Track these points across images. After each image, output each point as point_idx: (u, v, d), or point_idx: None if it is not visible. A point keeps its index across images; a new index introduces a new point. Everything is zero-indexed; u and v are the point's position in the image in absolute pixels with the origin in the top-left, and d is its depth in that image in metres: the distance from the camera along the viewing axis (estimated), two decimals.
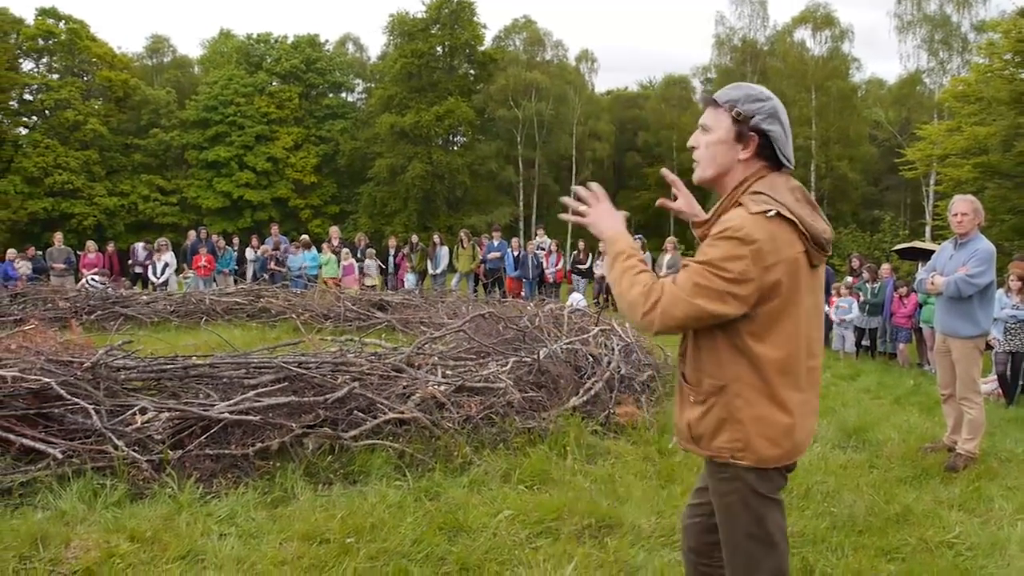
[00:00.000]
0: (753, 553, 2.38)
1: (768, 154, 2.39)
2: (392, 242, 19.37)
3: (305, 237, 18.42)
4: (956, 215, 6.02)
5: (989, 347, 8.82)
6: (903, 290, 12.33)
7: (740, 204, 2.31)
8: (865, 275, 13.29)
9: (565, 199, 2.59)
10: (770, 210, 2.22)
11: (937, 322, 6.36)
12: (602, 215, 2.53)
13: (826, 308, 13.52)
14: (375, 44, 68.21)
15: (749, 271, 2.17)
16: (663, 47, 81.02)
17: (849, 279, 13.86)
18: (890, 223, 33.81)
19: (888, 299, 12.80)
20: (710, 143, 2.46)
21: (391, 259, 18.38)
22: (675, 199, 2.88)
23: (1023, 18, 22.17)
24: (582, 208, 2.54)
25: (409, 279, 17.56)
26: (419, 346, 6.24)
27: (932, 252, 7.73)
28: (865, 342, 13.38)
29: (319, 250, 17.18)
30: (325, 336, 9.05)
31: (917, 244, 15.75)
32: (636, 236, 17.98)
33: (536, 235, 18.71)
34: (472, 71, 46.01)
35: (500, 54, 45.85)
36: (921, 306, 11.74)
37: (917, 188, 36.18)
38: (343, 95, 48.58)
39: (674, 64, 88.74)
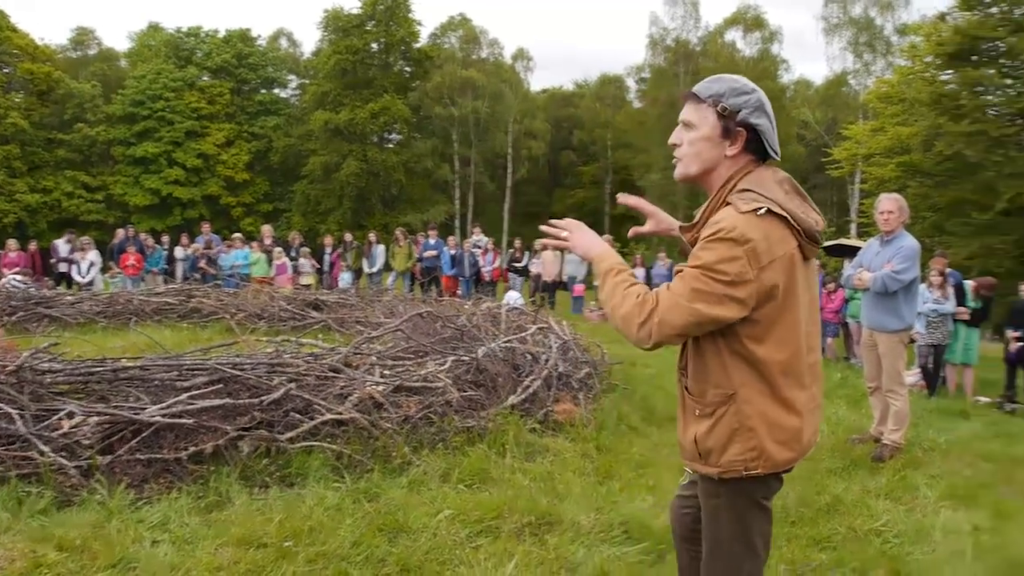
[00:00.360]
0: (735, 558, 2.33)
1: (755, 148, 2.30)
2: (327, 240, 19.14)
3: (239, 235, 18.07)
4: (883, 213, 6.21)
5: (912, 341, 9.12)
6: (831, 286, 12.68)
7: (729, 203, 2.22)
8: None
9: (545, 227, 2.56)
10: (761, 208, 2.15)
11: (864, 317, 6.57)
12: (585, 237, 2.47)
13: None
14: (309, 40, 67.13)
15: (746, 272, 2.10)
16: (598, 46, 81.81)
17: None
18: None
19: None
20: (694, 140, 2.33)
21: (326, 258, 18.16)
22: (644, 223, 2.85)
23: (943, 22, 22.96)
24: (563, 234, 2.49)
25: (344, 278, 17.36)
26: (356, 346, 6.18)
27: (858, 249, 7.95)
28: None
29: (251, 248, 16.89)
30: (259, 337, 8.90)
31: (843, 241, 16.19)
32: None
33: (472, 233, 18.70)
34: (408, 68, 45.78)
35: (436, 52, 45.72)
36: (848, 301, 12.08)
37: (843, 187, 37.23)
38: (276, 91, 47.87)
39: (609, 63, 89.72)
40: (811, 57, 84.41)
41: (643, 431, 6.48)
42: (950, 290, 10.15)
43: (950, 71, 22.88)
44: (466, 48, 47.50)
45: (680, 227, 2.52)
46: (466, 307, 8.90)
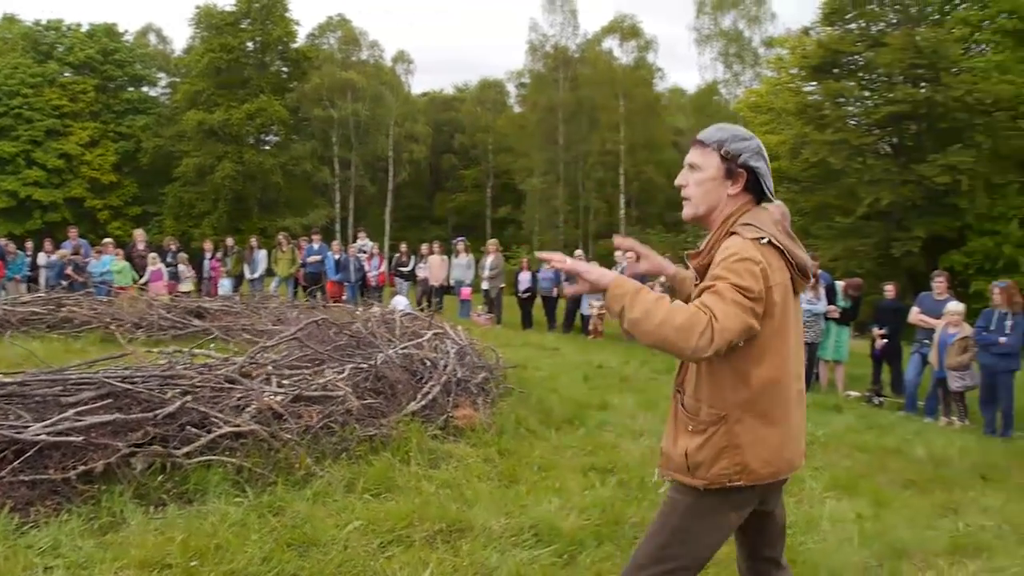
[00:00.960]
0: (671, 534, 2.51)
1: (754, 188, 2.54)
2: (207, 245, 18.50)
3: (110, 240, 17.20)
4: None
5: None
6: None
7: (735, 233, 2.44)
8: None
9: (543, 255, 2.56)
10: (763, 237, 2.39)
11: None
12: (593, 269, 2.42)
13: None
14: (180, 36, 64.72)
15: (761, 289, 2.30)
16: (478, 51, 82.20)
17: (663, 278, 14.56)
18: (693, 225, 35.89)
19: None
20: (701, 180, 2.56)
21: (205, 263, 17.55)
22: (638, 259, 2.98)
23: (806, 36, 24.23)
24: (567, 269, 2.42)
25: (224, 284, 16.82)
26: (252, 355, 6.00)
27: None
28: None
29: (127, 255, 16.09)
30: (138, 347, 8.52)
31: None
32: (459, 238, 18.11)
33: (357, 238, 18.45)
34: (285, 69, 44.76)
35: (314, 52, 44.88)
36: None
37: None
38: (145, 89, 45.77)
39: (489, 68, 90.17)
40: (684, 66, 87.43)
41: (542, 434, 6.55)
42: (822, 291, 10.71)
43: (814, 83, 24.20)
44: (345, 49, 46.79)
45: (687, 254, 2.69)
46: (358, 313, 8.76)
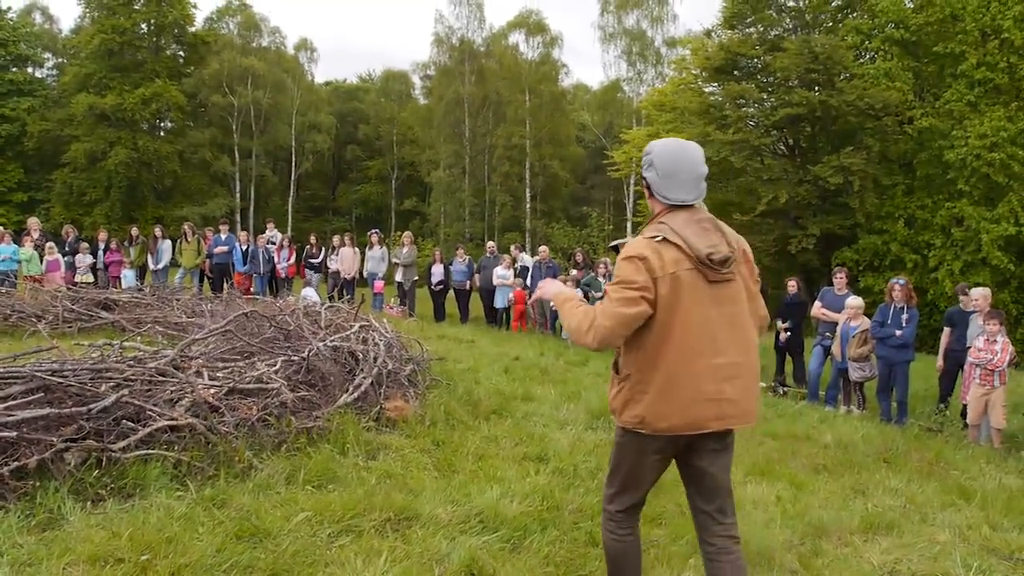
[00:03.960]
0: (613, 470, 3.17)
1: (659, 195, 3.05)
2: (101, 235, 17.80)
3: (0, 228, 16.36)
4: None
5: None
6: None
7: (641, 234, 3.00)
8: (602, 268, 14.33)
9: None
10: (657, 236, 2.90)
11: None
12: (548, 286, 3.38)
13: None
14: (67, 16, 61.70)
15: (646, 281, 2.84)
16: (382, 41, 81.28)
17: (574, 272, 14.86)
18: (597, 219, 36.57)
19: None
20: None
21: (100, 254, 16.89)
22: None
23: (708, 38, 24.94)
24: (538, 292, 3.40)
25: (127, 275, 16.22)
26: (183, 348, 5.88)
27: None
28: None
29: (19, 243, 15.32)
30: (42, 340, 8.19)
31: (630, 240, 17.22)
32: (373, 230, 17.96)
33: (267, 228, 18.08)
34: (182, 53, 43.36)
35: (212, 37, 43.63)
36: None
37: (620, 187, 39.38)
38: (30, 70, 43.52)
39: (394, 59, 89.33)
40: (589, 63, 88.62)
41: (472, 425, 6.64)
42: None
43: (715, 84, 24.95)
44: (245, 35, 45.66)
45: (618, 244, 3.26)
46: (283, 306, 8.66)
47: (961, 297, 10.11)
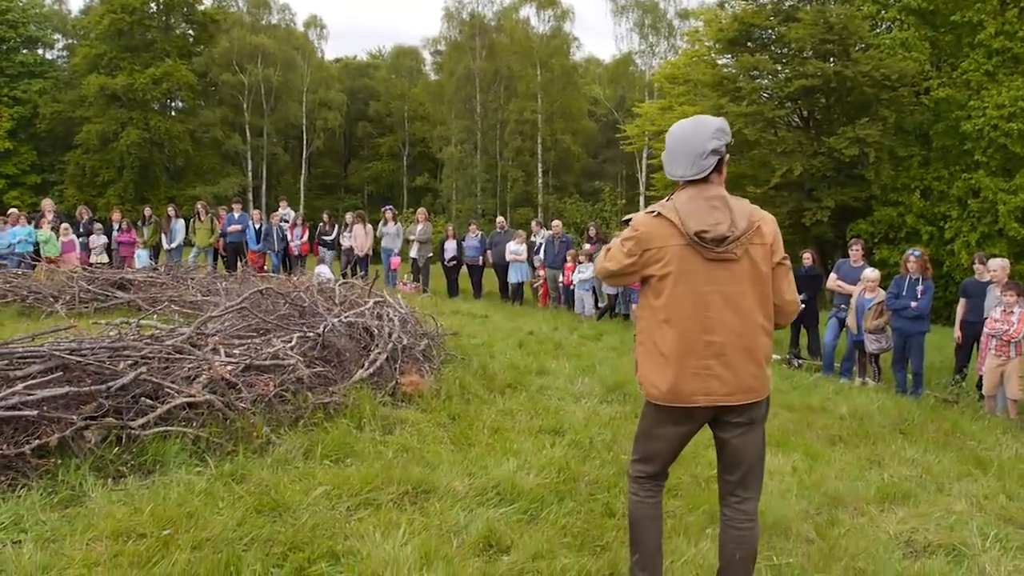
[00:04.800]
0: (638, 429, 3.28)
1: None
2: (115, 215, 17.86)
3: (13, 211, 16.41)
4: None
5: None
6: None
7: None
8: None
9: None
10: (654, 211, 3.04)
11: None
12: None
13: (570, 274, 14.45)
14: None
15: (636, 249, 3.03)
16: (393, 17, 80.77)
17: (587, 246, 14.83)
18: (609, 193, 36.45)
19: None
20: None
21: (113, 234, 16.96)
22: None
23: (721, 9, 24.66)
24: None
25: (140, 255, 16.30)
26: (199, 326, 5.92)
27: None
28: (601, 304, 14.46)
29: (36, 225, 15.39)
30: (59, 320, 8.27)
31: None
32: (387, 206, 17.96)
33: (279, 206, 18.09)
34: (191, 32, 43.19)
35: (221, 15, 43.49)
36: None
37: (632, 161, 39.21)
38: (40, 51, 43.52)
39: (404, 35, 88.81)
40: (600, 36, 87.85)
41: (487, 399, 6.67)
42: None
43: (729, 56, 24.69)
44: (255, 13, 45.56)
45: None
46: (298, 283, 8.69)
47: (977, 267, 10.02)
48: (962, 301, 9.88)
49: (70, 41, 45.70)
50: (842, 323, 10.34)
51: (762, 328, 3.04)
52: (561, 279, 15.20)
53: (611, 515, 4.28)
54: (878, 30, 24.36)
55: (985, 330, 8.81)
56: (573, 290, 14.71)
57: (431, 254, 17.13)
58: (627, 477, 3.30)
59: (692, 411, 3.01)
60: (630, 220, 3.26)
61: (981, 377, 9.08)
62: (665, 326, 2.98)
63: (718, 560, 3.23)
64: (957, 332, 9.91)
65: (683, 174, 3.04)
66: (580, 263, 14.27)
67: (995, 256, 10.60)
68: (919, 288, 9.43)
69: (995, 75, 21.97)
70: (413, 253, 16.74)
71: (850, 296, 10.10)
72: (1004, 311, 8.56)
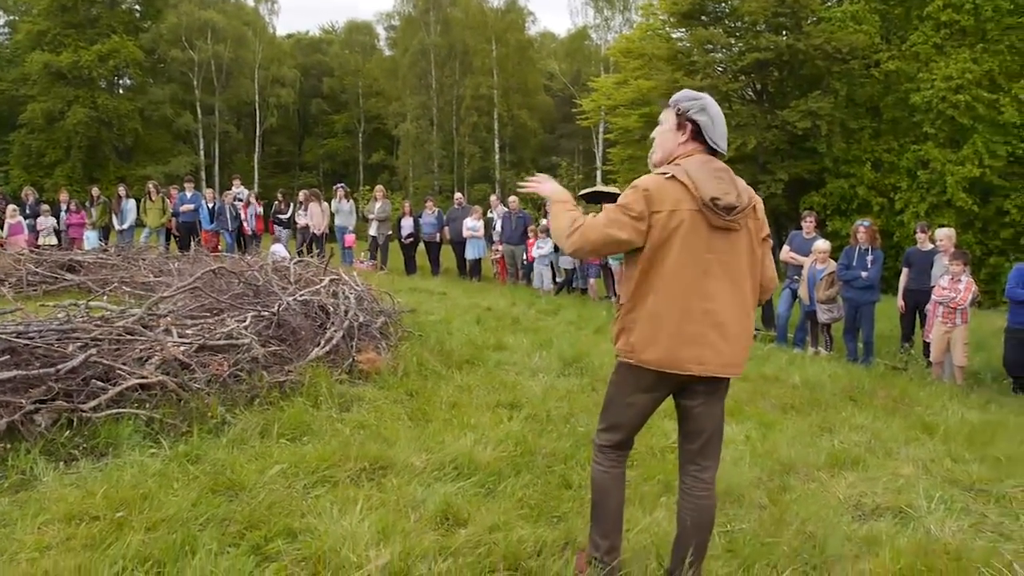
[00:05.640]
0: (609, 402, 3.26)
1: (701, 139, 3.08)
2: (63, 196, 17.47)
3: None
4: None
5: None
6: None
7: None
8: None
9: (523, 182, 3.38)
10: (667, 173, 2.98)
11: None
12: (547, 183, 3.31)
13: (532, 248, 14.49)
14: None
15: (644, 211, 2.93)
16: None
17: (544, 222, 14.84)
18: (566, 168, 36.50)
19: None
20: (661, 132, 3.18)
21: (62, 215, 16.60)
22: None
23: None
24: (533, 183, 3.33)
25: (90, 237, 15.97)
26: (150, 306, 5.83)
27: (614, 194, 8.55)
28: (559, 279, 14.52)
29: None
30: (5, 304, 8.09)
31: (601, 188, 17.19)
32: (339, 184, 17.82)
33: (233, 185, 17.82)
34: (137, 7, 42.17)
35: None
36: None
37: (588, 136, 39.24)
38: None
39: (357, 10, 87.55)
40: (555, 11, 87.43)
41: (445, 375, 6.67)
42: None
43: (683, 30, 24.76)
44: None
45: None
46: (251, 262, 8.58)
47: (919, 236, 10.24)
48: (905, 270, 10.11)
49: (12, 17, 44.35)
50: (795, 294, 10.51)
51: (751, 302, 3.12)
52: (524, 256, 15.24)
53: (568, 486, 4.33)
54: (830, 3, 24.61)
55: (933, 298, 9.03)
56: (532, 265, 14.75)
57: (390, 232, 17.03)
58: (593, 448, 3.30)
59: (668, 377, 3.02)
60: (587, 196, 3.37)
61: (928, 344, 9.31)
62: (664, 291, 2.96)
63: (676, 528, 3.26)
64: (900, 301, 10.15)
65: (724, 147, 3.11)
66: (539, 238, 14.28)
67: (943, 226, 10.84)
68: (869, 258, 9.61)
69: (943, 48, 22.34)
70: (372, 231, 16.62)
71: (802, 267, 10.25)
72: (951, 279, 8.77)
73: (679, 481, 3.28)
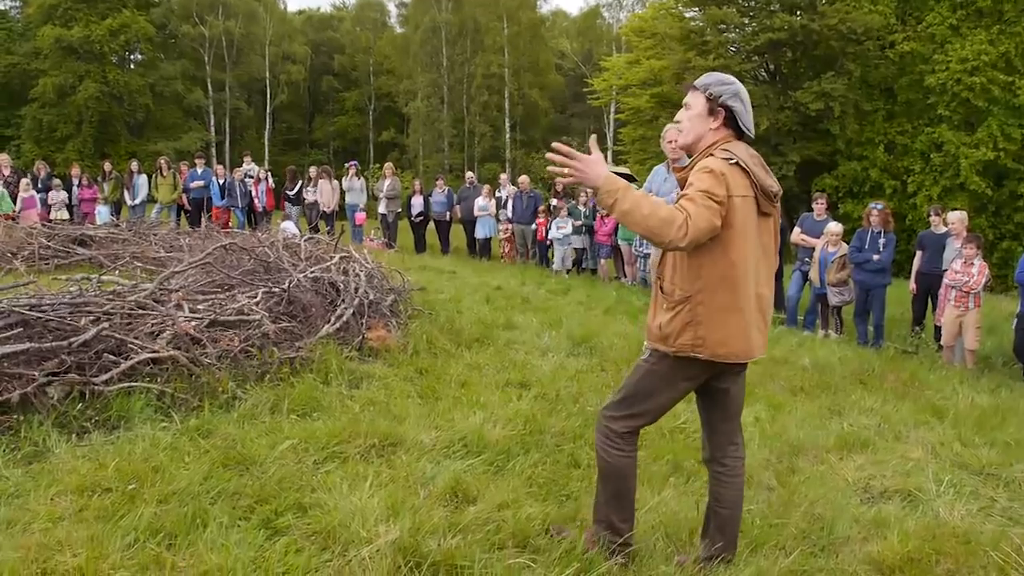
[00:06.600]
0: (635, 388, 3.16)
1: (733, 125, 3.06)
2: (75, 171, 17.49)
3: None
4: (671, 142, 6.68)
5: None
6: (604, 211, 13.44)
7: (712, 155, 2.98)
8: (583, 198, 14.29)
9: (552, 155, 2.94)
10: (732, 158, 2.93)
11: None
12: (593, 167, 2.87)
13: (543, 228, 14.48)
14: None
15: (724, 195, 2.86)
16: None
17: (554, 201, 14.81)
18: (577, 148, 36.26)
19: (591, 219, 13.96)
20: (690, 116, 3.11)
21: (74, 190, 16.63)
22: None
23: None
24: (573, 164, 2.88)
25: (101, 212, 16.00)
26: (162, 281, 5.85)
27: (629, 175, 8.51)
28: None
29: None
30: (19, 277, 8.12)
31: (615, 169, 17.13)
32: (352, 162, 17.80)
33: (243, 162, 17.80)
34: None
35: None
36: (620, 224, 12.88)
37: (600, 116, 39.04)
38: None
39: None
40: None
41: (455, 353, 6.69)
42: None
43: (696, 8, 24.52)
44: None
45: (673, 168, 3.41)
46: (262, 238, 8.59)
47: (933, 219, 10.17)
48: (918, 253, 10.05)
49: None
50: (805, 276, 10.46)
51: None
52: (534, 235, 15.21)
53: (576, 465, 4.34)
54: None
55: (945, 281, 8.97)
56: (547, 245, 14.72)
57: (399, 210, 17.01)
58: (607, 433, 3.21)
59: (720, 364, 3.04)
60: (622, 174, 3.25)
61: (939, 328, 9.27)
62: (737, 280, 2.96)
63: (718, 511, 3.30)
64: (912, 284, 10.10)
65: (754, 134, 3.12)
66: (558, 218, 14.21)
67: (955, 209, 10.76)
68: (881, 241, 9.56)
69: (959, 29, 22.08)
70: (381, 209, 16.62)
71: (813, 250, 10.20)
72: (964, 263, 8.72)
73: (715, 466, 3.31)
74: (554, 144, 2.98)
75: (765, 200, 3.00)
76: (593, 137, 3.13)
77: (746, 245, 2.96)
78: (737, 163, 2.92)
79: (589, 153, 2.90)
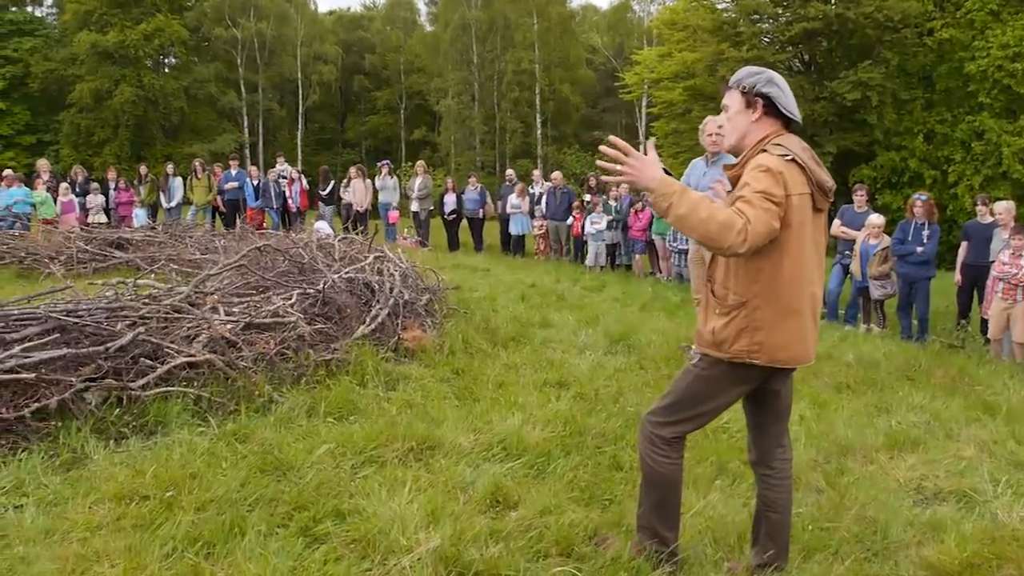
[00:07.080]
0: (687, 394, 3.03)
1: (775, 113, 2.94)
2: (112, 175, 17.68)
3: (9, 172, 16.19)
4: (711, 135, 6.57)
5: None
6: (638, 205, 13.32)
7: (765, 151, 2.85)
8: (613, 192, 14.19)
9: (605, 148, 2.78)
10: (787, 154, 2.80)
11: None
12: (646, 169, 2.75)
13: (578, 224, 14.39)
14: None
15: (782, 195, 2.73)
16: None
17: (588, 197, 14.70)
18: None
19: (624, 215, 13.83)
20: (730, 116, 3.03)
21: (111, 193, 16.81)
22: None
23: None
24: (626, 161, 2.75)
25: (138, 214, 16.16)
26: (197, 284, 5.84)
27: (664, 169, 8.38)
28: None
29: (31, 186, 15.20)
30: (58, 281, 8.19)
31: None
32: (384, 160, 17.81)
33: (277, 162, 17.90)
34: None
35: None
36: (655, 219, 12.74)
37: (631, 110, 38.77)
38: (29, 9, 42.84)
39: None
40: None
41: (491, 353, 6.60)
42: None
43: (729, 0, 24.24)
44: None
45: (724, 166, 3.22)
46: (296, 239, 8.59)
47: (980, 208, 9.92)
48: (964, 244, 9.81)
49: None
50: (846, 269, 10.26)
51: None
52: (569, 231, 15.13)
53: (619, 468, 4.24)
54: None
55: (993, 273, 8.74)
56: (582, 241, 14.63)
57: (432, 208, 17.00)
58: (654, 439, 3.08)
59: (775, 368, 2.93)
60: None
61: (985, 321, 9.03)
62: (796, 282, 2.84)
63: (769, 516, 3.19)
64: (958, 276, 9.85)
65: (799, 116, 3.00)
66: (592, 213, 14.11)
67: (1000, 199, 10.49)
68: (925, 233, 9.33)
69: (999, 14, 21.59)
70: (414, 207, 16.63)
71: (854, 242, 9.99)
72: (1012, 254, 8.47)
73: (763, 469, 3.20)
74: (611, 137, 2.82)
75: (821, 196, 2.89)
76: (651, 139, 3.06)
77: (803, 245, 2.84)
78: (793, 159, 2.80)
79: (645, 153, 2.78)
